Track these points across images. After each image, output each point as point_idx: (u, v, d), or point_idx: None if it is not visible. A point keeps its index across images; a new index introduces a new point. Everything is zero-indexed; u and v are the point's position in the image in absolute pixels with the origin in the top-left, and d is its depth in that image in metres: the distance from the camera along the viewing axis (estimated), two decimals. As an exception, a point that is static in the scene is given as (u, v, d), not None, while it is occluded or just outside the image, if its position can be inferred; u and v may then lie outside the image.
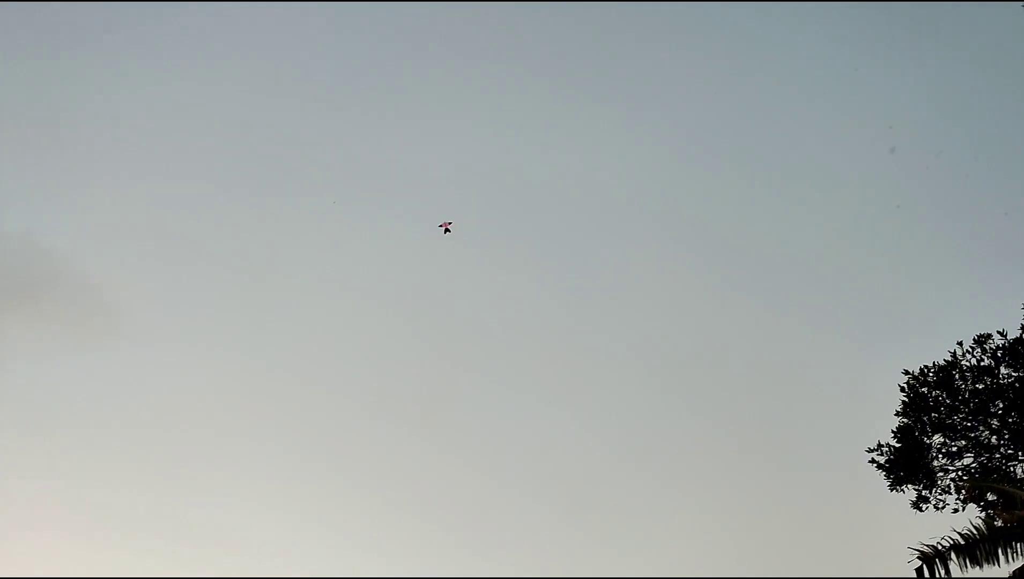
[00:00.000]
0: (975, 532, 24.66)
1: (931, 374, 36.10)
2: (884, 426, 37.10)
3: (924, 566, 24.40)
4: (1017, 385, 34.59)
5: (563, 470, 61.88)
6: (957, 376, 35.77)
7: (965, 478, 35.38)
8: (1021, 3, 40.10)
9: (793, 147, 72.12)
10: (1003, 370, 35.22)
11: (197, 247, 70.60)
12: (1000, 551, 24.28)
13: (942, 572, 24.32)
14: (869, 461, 36.89)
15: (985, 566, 24.38)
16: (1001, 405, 35.02)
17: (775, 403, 62.41)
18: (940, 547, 24.53)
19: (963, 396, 35.63)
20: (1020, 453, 34.85)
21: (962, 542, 24.34)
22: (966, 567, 24.36)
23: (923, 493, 36.12)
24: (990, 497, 33.14)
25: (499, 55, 73.51)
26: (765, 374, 64.29)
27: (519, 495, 60.27)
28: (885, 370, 37.76)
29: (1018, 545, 24.28)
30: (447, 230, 42.15)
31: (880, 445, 36.78)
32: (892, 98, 69.26)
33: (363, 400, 65.61)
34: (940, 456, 36.02)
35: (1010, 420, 34.88)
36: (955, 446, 35.81)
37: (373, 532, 58.38)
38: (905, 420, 36.53)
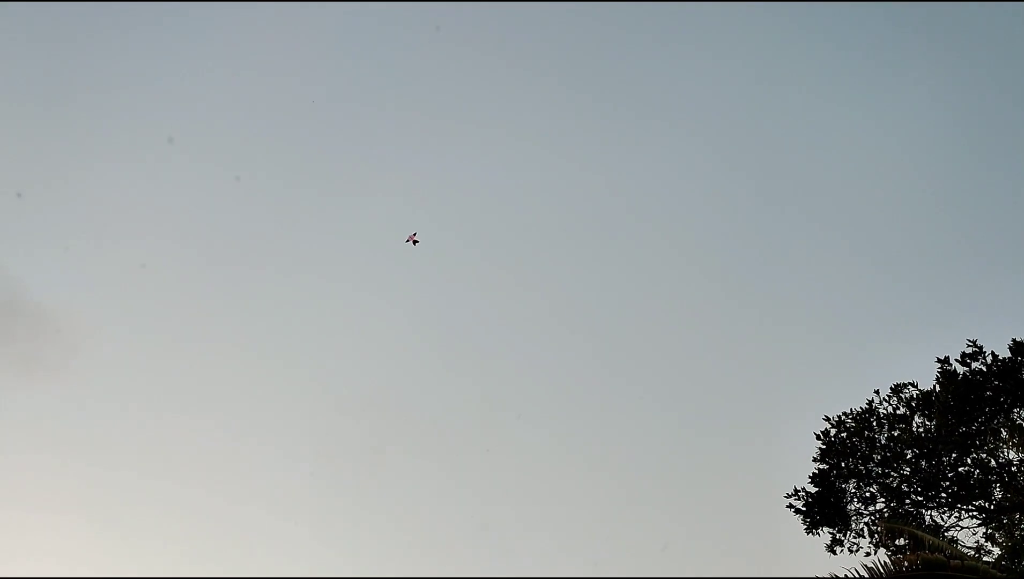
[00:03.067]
0: (882, 570, 25.43)
1: (848, 421, 37.26)
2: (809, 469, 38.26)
3: (834, 598, 25.08)
4: (929, 434, 35.78)
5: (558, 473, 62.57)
6: (874, 423, 36.94)
7: (877, 523, 36.39)
8: None
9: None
10: (917, 419, 36.45)
11: (155, 278, 69.79)
12: (904, 590, 25.00)
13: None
14: (787, 506, 37.87)
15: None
16: (913, 453, 36.19)
17: (706, 441, 63.55)
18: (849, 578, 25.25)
19: (878, 443, 36.76)
20: (928, 500, 35.96)
21: (868, 577, 25.11)
22: (872, 604, 25.05)
23: (838, 536, 37.12)
24: (900, 542, 34.08)
25: (503, 59, 73.65)
26: (701, 412, 65.46)
27: (517, 497, 60.71)
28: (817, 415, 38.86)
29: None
30: (415, 242, 41.47)
31: (797, 490, 37.75)
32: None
33: (317, 420, 65.34)
34: (855, 501, 37.05)
35: (921, 467, 36.03)
36: (868, 492, 36.88)
37: (361, 548, 58.23)
38: (823, 465, 37.56)
